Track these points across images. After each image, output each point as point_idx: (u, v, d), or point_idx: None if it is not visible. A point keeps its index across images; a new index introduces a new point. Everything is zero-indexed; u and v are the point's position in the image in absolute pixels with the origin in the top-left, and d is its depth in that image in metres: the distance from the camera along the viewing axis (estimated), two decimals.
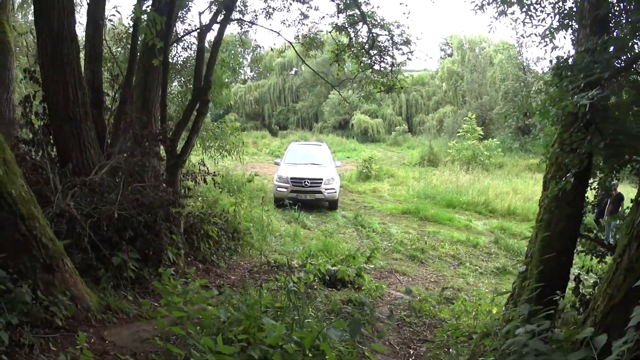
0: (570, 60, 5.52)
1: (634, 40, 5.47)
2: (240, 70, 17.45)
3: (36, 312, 5.08)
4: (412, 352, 6.44)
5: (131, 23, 11.22)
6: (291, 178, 18.60)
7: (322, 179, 18.73)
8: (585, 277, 6.06)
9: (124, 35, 13.89)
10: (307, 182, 18.55)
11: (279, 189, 18.57)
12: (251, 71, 50.77)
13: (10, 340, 4.70)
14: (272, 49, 15.75)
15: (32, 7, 8.98)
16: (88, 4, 9.44)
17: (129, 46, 10.84)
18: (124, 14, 41.02)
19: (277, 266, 9.01)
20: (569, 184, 5.04)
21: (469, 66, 41.96)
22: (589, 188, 5.90)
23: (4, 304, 4.83)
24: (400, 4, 11.02)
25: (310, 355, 4.17)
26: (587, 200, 5.74)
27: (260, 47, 17.20)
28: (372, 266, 10.12)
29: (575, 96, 4.69)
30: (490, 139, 30.39)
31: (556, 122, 5.63)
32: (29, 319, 5.02)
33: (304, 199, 18.00)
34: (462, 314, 7.82)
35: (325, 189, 18.58)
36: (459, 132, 31.45)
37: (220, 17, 9.29)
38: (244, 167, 21.66)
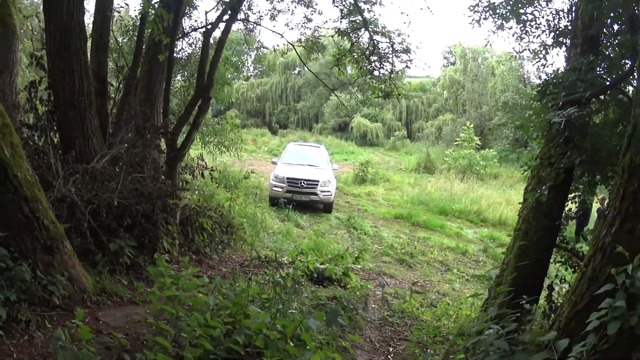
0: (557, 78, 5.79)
1: (624, 60, 5.73)
2: (243, 68, 17.60)
3: (34, 290, 5.35)
4: (391, 350, 6.74)
5: (138, 16, 11.52)
6: (287, 178, 18.63)
7: (318, 181, 18.70)
8: (561, 286, 6.32)
9: (130, 27, 14.10)
10: (303, 183, 18.53)
11: (274, 188, 18.58)
12: (254, 69, 50.92)
13: (8, 315, 4.98)
14: (274, 50, 15.93)
15: None
16: None
17: (135, 38, 11.13)
18: (131, 6, 40.99)
19: (267, 261, 9.28)
20: (543, 196, 5.32)
21: (470, 75, 42.15)
22: (569, 202, 6.18)
23: (3, 281, 5.09)
24: (402, 13, 11.30)
25: (291, 344, 4.43)
26: (565, 213, 6.02)
27: (264, 48, 17.35)
28: (360, 267, 10.37)
29: (551, 113, 4.98)
30: (487, 149, 30.64)
31: (539, 137, 5.91)
32: (27, 296, 5.29)
33: (299, 199, 18.09)
34: (443, 316, 8.10)
35: (321, 191, 18.53)
36: (456, 141, 31.70)
37: (225, 17, 9.54)
38: (241, 164, 21.73)
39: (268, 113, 52.85)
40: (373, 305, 8.64)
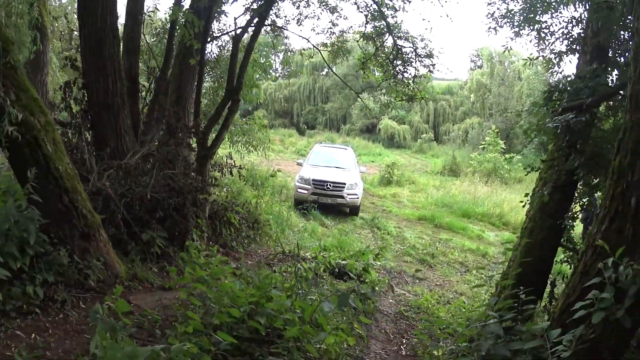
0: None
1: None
2: (271, 71, 18.04)
3: (71, 273, 5.89)
4: (404, 342, 7.10)
5: (169, 20, 12.04)
6: (313, 180, 18.21)
7: (344, 184, 18.24)
8: (564, 282, 6.60)
9: (160, 30, 14.59)
10: (330, 185, 18.12)
11: (299, 190, 18.23)
12: (282, 70, 51.41)
13: (45, 295, 5.55)
14: (301, 53, 16.42)
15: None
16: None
17: (166, 41, 11.64)
18: (161, 9, 41.66)
19: (291, 256, 9.68)
20: (545, 197, 5.66)
21: (497, 79, 42.03)
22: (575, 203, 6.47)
23: (42, 264, 5.64)
24: (423, 19, 11.61)
25: (309, 327, 4.84)
26: (570, 214, 6.31)
27: (291, 52, 17.74)
28: (380, 263, 10.67)
29: (549, 119, 5.31)
30: (513, 154, 30.66)
31: (545, 142, 6.23)
32: (64, 279, 5.83)
33: (325, 202, 17.79)
34: (457, 313, 8.42)
35: (348, 194, 18.10)
36: (481, 144, 31.76)
37: (254, 23, 9.98)
38: (268, 164, 22.11)
39: (296, 114, 53.06)
40: (390, 300, 9.01)
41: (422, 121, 47.06)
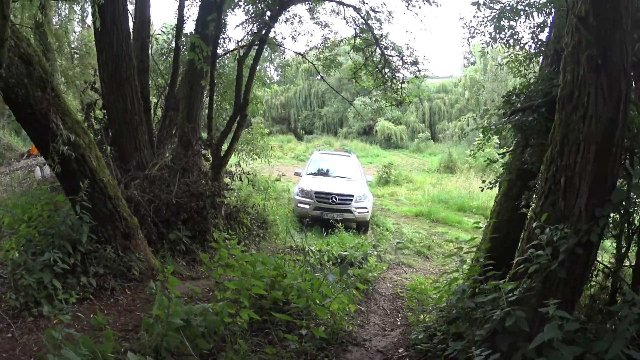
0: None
1: None
2: (266, 78, 19.08)
3: (116, 267, 7.22)
4: (399, 315, 8.37)
5: (172, 39, 13.32)
6: (316, 192, 16.28)
7: (352, 196, 16.34)
8: None
9: (165, 50, 15.82)
10: (335, 198, 16.15)
11: (300, 204, 16.35)
12: (277, 76, 52.59)
13: (97, 284, 6.85)
14: (297, 67, 17.68)
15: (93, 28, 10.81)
16: (134, 22, 11.36)
17: (171, 60, 12.93)
18: (164, 22, 42.97)
19: (298, 250, 10.93)
20: (505, 183, 6.97)
21: (490, 75, 43.12)
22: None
23: (93, 259, 6.92)
24: (406, 31, 12.86)
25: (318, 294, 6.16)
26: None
27: (287, 66, 18.96)
28: (376, 252, 11.81)
29: (503, 119, 6.63)
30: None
31: (508, 137, 7.50)
32: (111, 271, 7.18)
33: (330, 217, 15.67)
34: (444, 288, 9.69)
35: (356, 208, 16.20)
36: (476, 140, 32.87)
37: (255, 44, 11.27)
38: (270, 170, 22.96)
39: (293, 119, 54.32)
40: (388, 284, 10.27)
41: (418, 121, 48.33)
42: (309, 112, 53.97)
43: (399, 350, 6.26)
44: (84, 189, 6.74)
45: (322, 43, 14.80)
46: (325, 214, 15.94)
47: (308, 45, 14.96)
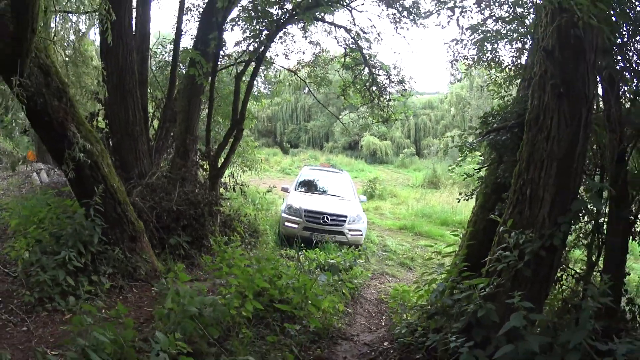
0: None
1: None
2: (258, 94, 19.60)
3: (124, 267, 7.88)
4: (383, 317, 9.10)
5: (170, 52, 14.03)
6: (305, 211, 14.97)
7: (346, 217, 15.20)
8: None
9: (163, 63, 16.47)
10: (327, 218, 14.94)
11: (287, 223, 14.87)
12: (265, 89, 53.10)
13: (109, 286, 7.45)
14: (289, 84, 18.37)
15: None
16: (134, 36, 11.86)
17: (168, 72, 13.63)
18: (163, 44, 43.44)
19: (288, 257, 11.64)
20: (482, 196, 7.77)
21: (476, 93, 43.88)
22: None
23: (103, 260, 7.56)
24: (394, 52, 13.71)
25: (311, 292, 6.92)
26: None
27: (280, 82, 19.63)
28: (361, 261, 12.48)
29: (478, 138, 7.43)
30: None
31: (484, 154, 8.31)
32: (119, 271, 7.80)
33: (321, 239, 14.15)
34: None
35: (350, 230, 15.06)
36: (459, 157, 33.71)
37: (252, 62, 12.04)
38: (258, 182, 23.21)
39: (279, 132, 54.65)
40: (372, 291, 10.99)
41: (403, 136, 48.99)
42: (295, 125, 54.42)
43: (384, 344, 7.01)
44: (98, 193, 7.38)
45: (313, 61, 15.58)
46: (315, 235, 14.38)
47: (300, 63, 15.69)
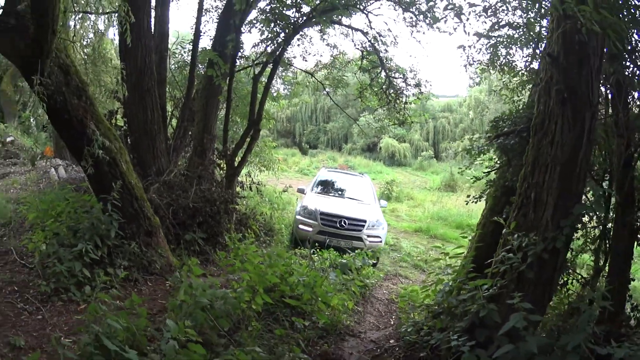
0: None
1: None
2: (275, 94, 19.78)
3: (139, 260, 8.09)
4: (393, 317, 9.25)
5: (189, 56, 14.27)
6: (321, 213, 14.20)
7: (365, 221, 14.38)
8: None
9: (181, 63, 16.76)
10: (345, 222, 14.12)
11: (301, 226, 14.15)
12: (284, 90, 53.29)
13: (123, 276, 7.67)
14: (306, 86, 18.59)
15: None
16: (153, 36, 11.97)
17: (187, 72, 13.89)
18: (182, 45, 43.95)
19: (302, 257, 11.81)
20: (491, 198, 7.89)
21: (494, 96, 43.79)
22: None
23: (119, 253, 7.79)
24: (410, 56, 13.78)
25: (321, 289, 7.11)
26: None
27: (297, 83, 19.84)
28: (373, 262, 12.58)
29: (487, 142, 7.58)
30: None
31: (497, 157, 8.44)
32: (134, 264, 8.01)
33: (337, 245, 13.35)
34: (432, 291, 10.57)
35: (368, 236, 14.29)
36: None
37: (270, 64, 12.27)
38: (275, 182, 23.55)
39: (298, 133, 54.85)
40: (384, 291, 11.15)
41: (422, 139, 49.14)
42: (314, 126, 54.59)
43: (390, 341, 7.19)
44: (116, 189, 7.61)
45: (330, 63, 15.78)
46: (330, 240, 13.61)
47: (318, 65, 15.89)
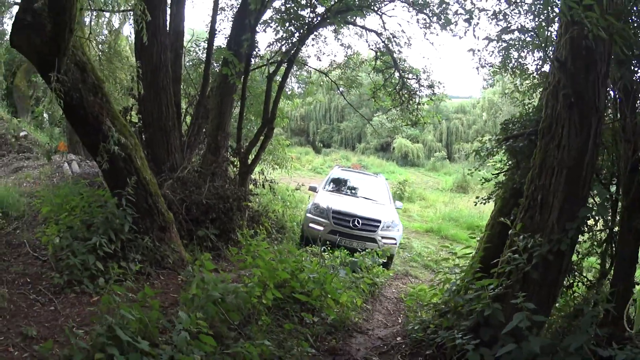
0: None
1: None
2: (289, 93, 19.89)
3: (152, 255, 8.23)
4: (401, 315, 9.38)
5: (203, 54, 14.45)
6: (334, 212, 13.68)
7: (379, 221, 13.79)
8: None
9: (196, 61, 16.92)
10: (358, 222, 13.57)
11: (311, 224, 13.68)
12: (298, 88, 53.44)
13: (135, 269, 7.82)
14: (320, 85, 18.73)
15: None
16: (169, 34, 12.11)
17: (202, 70, 14.05)
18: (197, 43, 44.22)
19: (313, 254, 11.95)
20: (500, 200, 8.00)
21: (507, 99, 43.68)
22: None
23: (132, 247, 7.94)
24: (423, 57, 13.96)
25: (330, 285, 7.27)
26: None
27: (311, 83, 19.97)
28: (382, 261, 12.64)
29: (496, 145, 7.69)
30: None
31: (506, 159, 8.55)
32: (147, 258, 8.15)
33: (349, 246, 13.02)
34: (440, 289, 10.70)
35: (383, 237, 13.67)
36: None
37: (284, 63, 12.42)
38: (288, 180, 23.28)
39: (312, 132, 55.13)
40: (393, 290, 11.28)
41: (435, 140, 49.21)
42: (328, 125, 54.81)
43: (397, 339, 7.33)
44: (131, 185, 7.77)
45: (344, 64, 15.91)
46: (342, 240, 13.16)
47: (332, 65, 16.00)
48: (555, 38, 6.49)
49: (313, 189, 16.40)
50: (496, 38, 8.07)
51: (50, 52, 6.55)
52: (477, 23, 7.37)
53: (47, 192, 10.24)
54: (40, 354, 5.11)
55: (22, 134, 19.06)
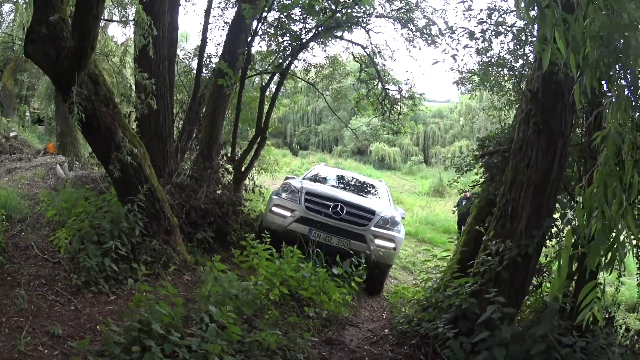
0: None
1: None
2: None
3: (159, 256, 9.00)
4: (385, 311, 10.42)
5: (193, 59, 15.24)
6: (307, 193, 10.60)
7: (373, 212, 10.58)
8: None
9: (187, 68, 17.70)
10: (342, 208, 10.30)
11: (275, 209, 10.74)
12: (281, 94, 53.89)
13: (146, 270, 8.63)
14: (301, 87, 19.63)
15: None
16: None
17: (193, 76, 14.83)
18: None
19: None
20: (475, 208, 9.11)
21: (486, 103, 44.75)
22: None
23: (142, 249, 8.73)
24: (406, 71, 14.97)
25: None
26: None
27: (298, 92, 20.82)
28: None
29: (473, 160, 8.79)
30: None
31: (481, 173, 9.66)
32: (155, 260, 8.89)
33: (326, 243, 10.05)
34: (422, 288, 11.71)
35: (376, 236, 10.40)
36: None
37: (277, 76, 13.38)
38: (272, 183, 23.63)
39: (289, 134, 56.02)
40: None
41: (412, 144, 50.20)
42: (305, 127, 55.64)
43: (385, 331, 8.37)
44: (143, 192, 8.61)
45: (330, 74, 16.93)
46: (316, 234, 10.08)
47: (318, 75, 16.98)
48: (529, 71, 7.57)
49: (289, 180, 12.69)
50: (478, 73, 9.07)
51: (71, 67, 7.22)
52: (463, 59, 8.40)
53: (47, 196, 10.79)
54: (70, 350, 5.61)
55: (12, 134, 19.43)
